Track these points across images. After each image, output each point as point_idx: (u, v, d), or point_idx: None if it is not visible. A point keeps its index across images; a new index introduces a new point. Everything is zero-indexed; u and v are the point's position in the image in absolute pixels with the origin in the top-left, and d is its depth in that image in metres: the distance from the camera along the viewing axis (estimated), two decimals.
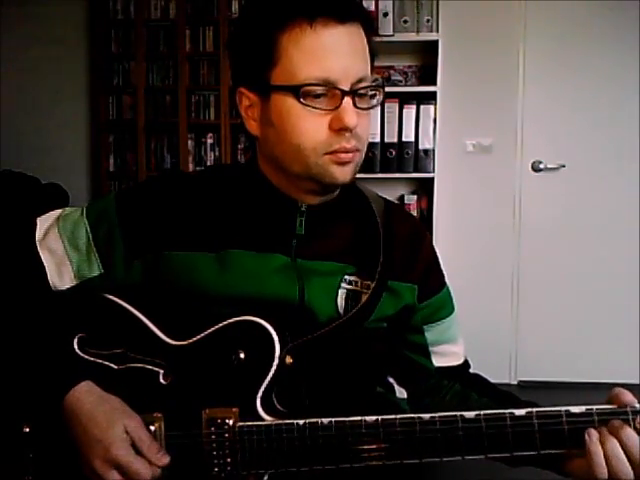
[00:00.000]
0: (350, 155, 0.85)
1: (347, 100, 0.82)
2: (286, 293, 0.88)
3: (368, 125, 0.88)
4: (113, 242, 0.90)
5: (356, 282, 0.92)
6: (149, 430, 0.80)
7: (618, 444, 0.73)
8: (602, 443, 0.73)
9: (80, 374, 0.82)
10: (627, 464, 0.72)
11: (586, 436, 0.74)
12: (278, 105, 0.84)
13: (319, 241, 0.92)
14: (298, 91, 0.81)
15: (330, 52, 0.81)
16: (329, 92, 0.82)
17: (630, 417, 0.74)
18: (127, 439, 0.78)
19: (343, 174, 0.86)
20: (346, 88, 0.82)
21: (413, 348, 1.00)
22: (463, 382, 1.01)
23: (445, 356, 1.02)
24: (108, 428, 0.77)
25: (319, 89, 0.81)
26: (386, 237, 0.93)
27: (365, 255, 0.93)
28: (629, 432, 0.73)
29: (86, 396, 0.80)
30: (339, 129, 0.82)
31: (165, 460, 0.79)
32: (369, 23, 0.87)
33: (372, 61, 0.88)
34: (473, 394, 0.98)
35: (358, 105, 0.83)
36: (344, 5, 0.82)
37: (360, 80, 0.83)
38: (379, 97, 0.88)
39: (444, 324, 1.01)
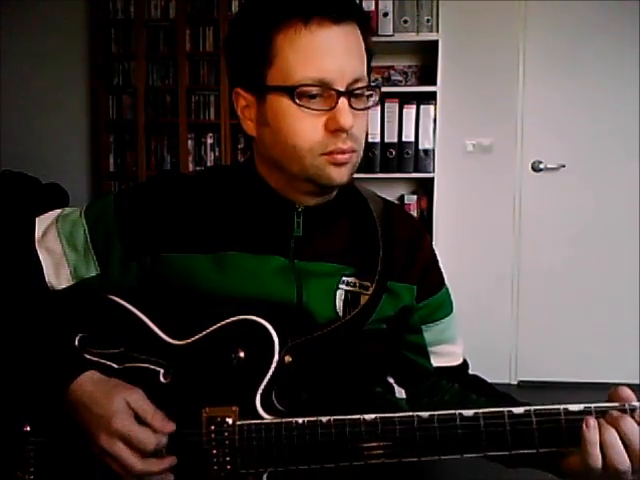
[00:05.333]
0: (346, 156, 0.85)
1: (342, 101, 0.81)
2: (284, 295, 0.88)
3: (364, 125, 0.88)
4: (110, 243, 0.90)
5: (354, 283, 0.92)
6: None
7: (616, 433, 0.72)
8: (600, 433, 0.73)
9: (83, 367, 0.83)
10: (624, 454, 0.72)
11: (583, 425, 0.74)
12: (274, 106, 0.84)
13: (317, 242, 0.92)
14: (293, 92, 0.81)
15: (325, 52, 0.80)
16: (324, 92, 0.82)
17: (628, 412, 0.74)
18: (128, 411, 0.78)
19: (340, 175, 0.85)
20: (341, 89, 0.81)
21: (411, 348, 1.00)
22: (462, 383, 1.01)
23: (444, 356, 1.01)
24: (108, 402, 0.78)
25: (314, 90, 0.81)
26: (385, 237, 0.93)
27: (364, 256, 0.92)
28: (628, 420, 0.73)
29: (88, 382, 0.81)
30: (335, 130, 0.82)
31: (170, 427, 0.80)
32: (365, 23, 0.86)
33: (369, 61, 0.87)
34: (472, 394, 0.98)
35: (354, 105, 0.83)
36: (339, 5, 0.82)
37: (356, 80, 0.83)
38: (375, 97, 0.87)
39: (442, 324, 1.00)
